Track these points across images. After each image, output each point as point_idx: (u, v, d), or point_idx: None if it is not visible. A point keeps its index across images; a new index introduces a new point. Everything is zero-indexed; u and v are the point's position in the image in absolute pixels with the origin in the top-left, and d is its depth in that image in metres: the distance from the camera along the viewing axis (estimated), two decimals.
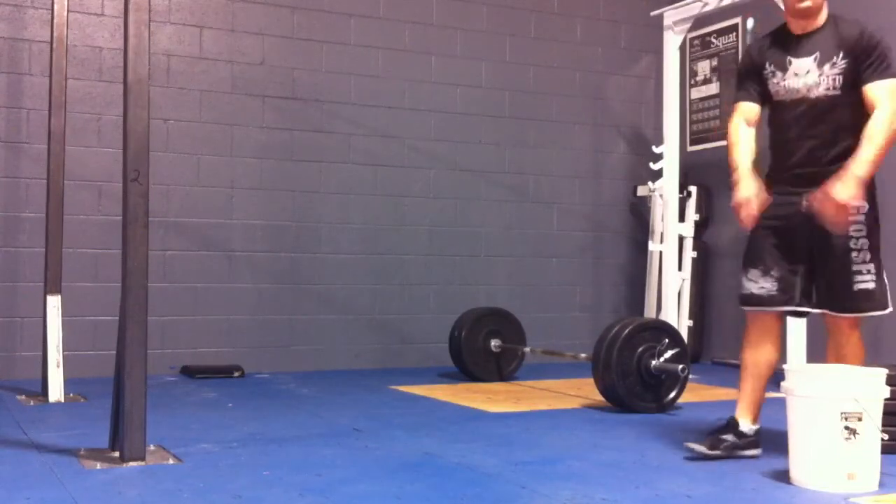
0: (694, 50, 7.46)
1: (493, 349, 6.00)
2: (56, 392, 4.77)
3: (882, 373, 3.06)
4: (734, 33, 7.13)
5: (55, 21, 4.98)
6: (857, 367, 3.21)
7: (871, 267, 3.38)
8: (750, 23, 6.99)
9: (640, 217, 7.53)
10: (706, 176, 7.22)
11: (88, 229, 5.85)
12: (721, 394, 5.44)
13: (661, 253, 6.54)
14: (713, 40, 7.30)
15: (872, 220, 3.40)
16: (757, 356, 3.71)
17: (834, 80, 3.44)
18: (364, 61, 6.67)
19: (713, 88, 7.30)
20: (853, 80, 3.43)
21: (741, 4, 6.22)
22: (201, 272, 6.18)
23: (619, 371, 4.57)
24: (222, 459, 3.39)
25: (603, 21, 7.52)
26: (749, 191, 3.53)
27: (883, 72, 3.40)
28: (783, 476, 3.14)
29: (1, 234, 5.72)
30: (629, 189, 7.49)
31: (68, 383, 4.88)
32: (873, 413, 2.98)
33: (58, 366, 4.80)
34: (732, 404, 5.05)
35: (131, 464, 3.24)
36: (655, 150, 6.64)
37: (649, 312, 6.70)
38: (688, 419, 4.48)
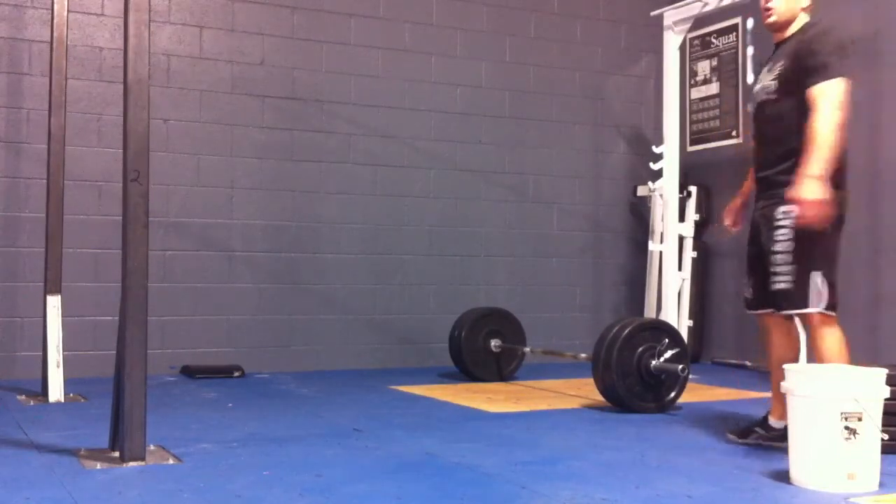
0: (694, 50, 7.46)
1: (493, 349, 6.00)
2: (56, 392, 4.76)
3: (882, 373, 3.06)
4: (734, 33, 7.13)
5: (55, 21, 4.98)
6: (857, 368, 3.20)
7: (790, 269, 3.54)
8: (750, 23, 6.99)
9: (640, 217, 7.53)
10: (706, 176, 7.21)
11: (88, 229, 5.85)
12: (721, 394, 5.45)
13: (661, 253, 6.53)
14: (713, 40, 7.30)
15: (804, 226, 3.48)
16: (769, 355, 3.90)
17: (768, 85, 3.66)
18: (364, 61, 6.67)
19: (713, 88, 7.30)
20: (791, 83, 3.56)
21: (741, 4, 6.22)
22: (201, 272, 6.18)
23: (619, 371, 4.57)
24: (222, 459, 3.39)
25: (603, 21, 7.52)
26: (733, 201, 4.11)
27: (821, 74, 3.48)
28: (783, 476, 3.14)
29: (1, 234, 5.72)
30: (629, 189, 7.49)
31: (68, 383, 4.88)
32: (873, 413, 2.98)
33: (58, 366, 4.80)
34: (732, 404, 5.07)
35: (131, 464, 3.24)
36: (655, 150, 6.64)
37: (649, 312, 6.70)
38: (688, 419, 4.47)
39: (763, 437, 3.78)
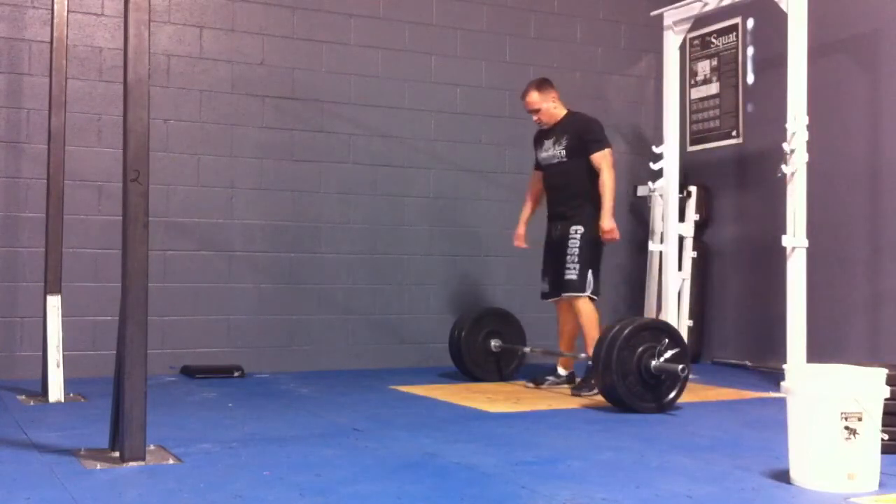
0: (694, 50, 7.46)
1: (493, 349, 6.00)
2: (56, 392, 4.76)
3: (882, 373, 3.06)
4: (734, 33, 7.13)
5: (55, 21, 4.98)
6: (857, 368, 3.20)
7: (576, 266, 5.32)
8: (750, 23, 6.99)
9: (640, 217, 7.52)
10: (706, 176, 7.22)
11: (88, 229, 5.85)
12: (721, 394, 5.45)
13: (661, 253, 6.53)
14: (713, 40, 7.30)
15: (587, 239, 5.35)
16: (561, 326, 5.64)
17: (558, 152, 5.48)
18: (364, 61, 6.67)
19: (713, 88, 7.30)
20: (576, 151, 5.40)
21: (741, 4, 6.23)
22: (201, 272, 6.18)
23: (619, 371, 4.56)
24: (222, 459, 3.39)
25: (603, 21, 7.52)
26: (520, 227, 5.90)
27: (596, 145, 5.36)
28: (783, 476, 3.14)
29: (1, 234, 5.72)
30: (629, 189, 7.49)
31: (68, 383, 4.88)
32: (873, 413, 2.98)
33: (58, 366, 4.80)
34: (733, 404, 5.07)
35: (131, 464, 3.24)
36: (655, 150, 6.63)
37: (649, 312, 6.70)
38: (688, 419, 4.48)
39: (554, 382, 5.53)
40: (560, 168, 5.49)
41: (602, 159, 5.35)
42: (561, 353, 5.59)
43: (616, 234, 5.36)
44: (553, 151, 5.52)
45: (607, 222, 5.29)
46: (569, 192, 5.44)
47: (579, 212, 5.40)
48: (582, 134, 5.42)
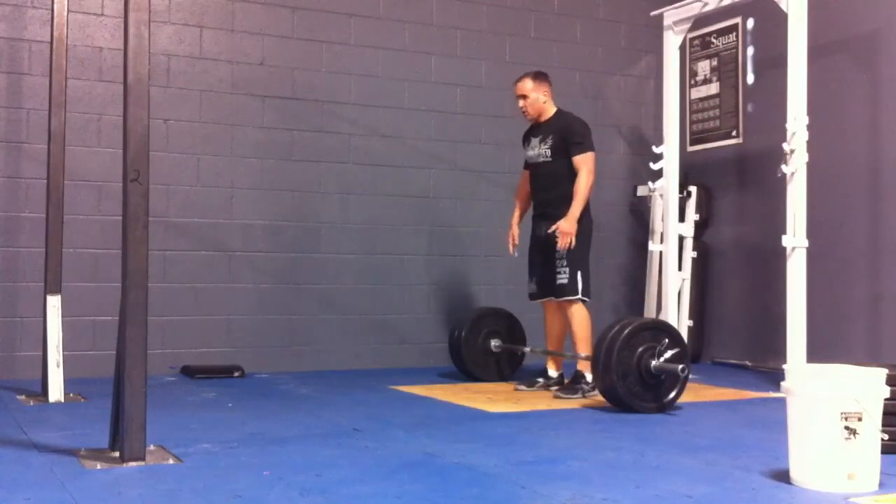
0: (694, 50, 7.46)
1: (493, 349, 5.99)
2: (56, 392, 4.77)
3: (882, 373, 3.06)
4: (734, 33, 7.13)
5: (55, 21, 4.98)
6: (857, 368, 3.20)
7: (566, 269, 5.25)
8: (750, 23, 6.99)
9: (640, 217, 7.52)
10: (706, 176, 7.21)
11: (88, 229, 5.85)
12: (721, 394, 5.45)
13: (661, 253, 6.53)
14: (713, 40, 7.30)
15: (574, 241, 5.21)
16: (549, 329, 5.58)
17: (543, 152, 5.43)
18: (364, 61, 6.67)
19: (713, 88, 7.30)
20: (560, 152, 5.34)
21: (741, 4, 6.22)
22: (201, 272, 6.18)
23: (619, 371, 4.56)
24: (222, 459, 3.39)
25: (603, 21, 7.52)
26: (512, 230, 5.71)
27: (580, 147, 5.31)
28: (783, 476, 3.14)
29: (1, 234, 5.72)
30: (629, 189, 7.49)
31: (68, 383, 4.88)
32: (873, 413, 2.98)
33: (58, 366, 4.80)
34: (733, 404, 5.07)
35: (131, 464, 3.24)
36: (655, 150, 6.63)
37: (649, 312, 6.70)
38: (688, 419, 4.48)
39: (544, 384, 5.47)
40: (545, 168, 5.44)
41: (583, 162, 5.28)
42: (561, 353, 5.58)
43: (569, 240, 5.19)
44: (539, 150, 5.47)
45: (567, 224, 5.17)
46: (553, 193, 5.38)
47: (564, 212, 5.27)
48: (566, 135, 5.36)
